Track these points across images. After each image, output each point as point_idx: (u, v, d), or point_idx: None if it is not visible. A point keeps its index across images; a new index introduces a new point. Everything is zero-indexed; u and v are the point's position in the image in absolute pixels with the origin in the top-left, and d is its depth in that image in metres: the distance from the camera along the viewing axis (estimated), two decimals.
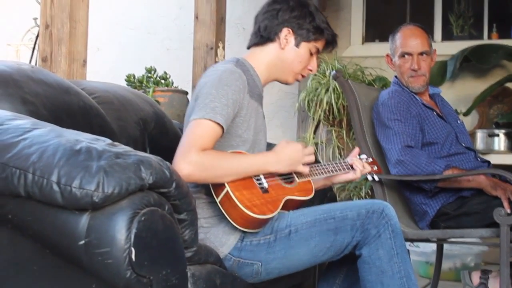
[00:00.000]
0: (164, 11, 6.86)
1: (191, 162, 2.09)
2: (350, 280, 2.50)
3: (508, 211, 2.74)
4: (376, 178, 2.80)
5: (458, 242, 3.37)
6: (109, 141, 1.77)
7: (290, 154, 2.32)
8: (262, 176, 2.27)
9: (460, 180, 3.00)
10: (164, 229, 1.69)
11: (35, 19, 6.39)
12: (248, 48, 2.54)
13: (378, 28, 6.37)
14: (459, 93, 5.72)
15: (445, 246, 4.01)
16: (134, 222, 1.61)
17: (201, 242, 2.08)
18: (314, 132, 5.61)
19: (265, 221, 2.22)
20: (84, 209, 1.60)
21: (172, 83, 5.01)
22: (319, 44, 2.49)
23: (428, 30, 3.40)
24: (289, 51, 2.45)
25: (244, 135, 2.35)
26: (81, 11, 3.58)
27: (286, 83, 2.55)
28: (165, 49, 6.79)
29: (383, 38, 5.92)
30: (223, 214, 2.18)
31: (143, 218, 1.62)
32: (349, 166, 2.62)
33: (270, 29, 2.45)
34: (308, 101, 5.53)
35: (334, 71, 3.38)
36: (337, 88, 5.31)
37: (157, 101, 4.04)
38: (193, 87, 4.70)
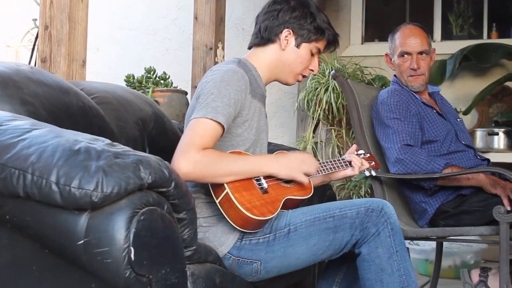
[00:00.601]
0: (164, 11, 6.86)
1: (190, 160, 2.09)
2: (349, 278, 2.50)
3: (508, 208, 2.75)
4: (373, 173, 2.80)
5: (457, 240, 3.37)
6: (108, 141, 1.77)
7: (291, 160, 2.32)
8: (261, 176, 2.27)
9: (460, 178, 3.00)
10: (163, 228, 1.70)
11: (35, 20, 6.39)
12: (249, 48, 2.54)
13: (377, 28, 6.37)
14: (459, 92, 5.72)
15: (445, 244, 4.01)
16: (133, 221, 1.61)
17: (201, 241, 2.09)
18: (314, 132, 5.62)
19: (265, 222, 2.22)
20: (83, 209, 1.60)
21: (172, 83, 5.02)
22: (320, 44, 2.49)
23: (428, 29, 3.40)
24: (289, 52, 2.45)
25: (245, 135, 2.35)
26: (81, 12, 3.58)
27: (287, 84, 2.55)
28: (165, 50, 6.79)
29: (383, 37, 5.93)
30: (222, 214, 2.18)
31: (142, 218, 1.63)
32: (347, 163, 2.62)
33: (271, 30, 2.45)
34: (307, 101, 5.53)
35: (333, 71, 3.39)
36: (336, 88, 5.32)
37: (157, 101, 4.04)
38: (193, 87, 4.70)
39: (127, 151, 1.71)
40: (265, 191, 2.24)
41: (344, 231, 2.23)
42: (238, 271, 2.24)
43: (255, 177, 2.25)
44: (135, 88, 4.74)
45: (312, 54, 2.49)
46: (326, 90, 5.40)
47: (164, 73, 5.06)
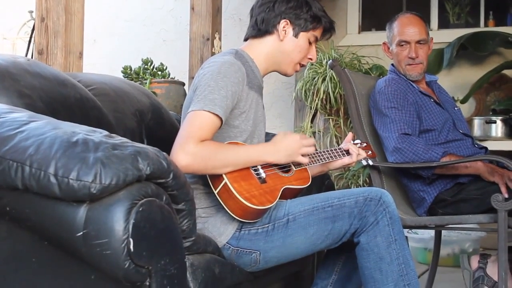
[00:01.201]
0: (160, 2, 6.85)
1: (189, 153, 2.09)
2: (348, 267, 2.50)
3: (506, 196, 2.75)
4: (370, 162, 2.81)
5: (456, 228, 3.38)
6: (106, 132, 1.77)
7: (288, 145, 2.31)
8: (259, 166, 2.27)
9: (458, 166, 3.01)
10: (162, 219, 1.70)
11: (31, 12, 6.38)
12: (245, 40, 2.54)
13: (374, 17, 6.37)
14: (456, 80, 5.72)
15: (443, 232, 4.02)
16: (132, 212, 1.61)
17: (200, 232, 2.09)
18: (312, 121, 5.61)
19: (264, 212, 2.22)
20: (82, 201, 1.60)
21: (169, 74, 5.01)
22: (317, 33, 2.50)
23: (425, 18, 3.40)
24: (288, 42, 2.45)
25: (242, 126, 2.35)
26: (77, 3, 3.57)
27: (285, 74, 2.55)
28: (162, 41, 6.78)
29: (379, 27, 5.92)
30: (221, 204, 2.18)
31: (141, 209, 1.63)
32: (344, 152, 2.63)
33: (268, 21, 2.45)
34: (305, 91, 5.53)
35: (330, 60, 3.38)
36: (334, 77, 5.31)
37: (154, 93, 4.04)
38: (190, 78, 4.70)
39: (125, 143, 1.71)
40: (263, 181, 2.24)
41: (342, 221, 2.24)
42: (237, 261, 2.25)
43: (253, 167, 2.25)
44: (132, 80, 4.74)
45: (310, 43, 2.49)
46: (324, 79, 5.40)
47: (161, 64, 5.05)
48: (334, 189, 2.97)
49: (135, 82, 4.43)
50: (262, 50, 2.47)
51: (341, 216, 2.24)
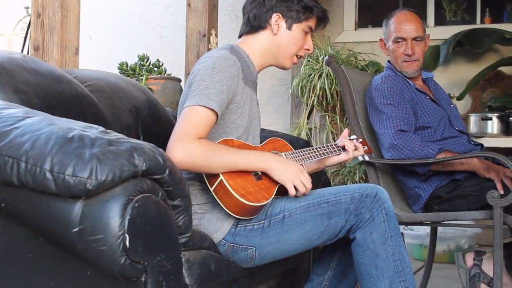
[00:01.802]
0: None
1: (185, 149, 2.09)
2: (344, 263, 2.51)
3: (501, 193, 2.75)
4: (366, 158, 2.80)
5: (451, 224, 3.38)
6: (102, 128, 1.77)
7: (291, 166, 2.28)
8: None
9: (453, 163, 3.01)
10: (158, 215, 1.70)
11: (27, 8, 6.36)
12: (240, 36, 2.54)
13: (370, 14, 6.37)
14: (452, 77, 5.72)
15: (439, 228, 4.03)
16: (128, 208, 1.61)
17: (195, 228, 2.09)
18: (308, 118, 5.62)
19: (260, 208, 2.22)
20: (78, 197, 1.60)
21: (165, 70, 5.01)
22: (311, 23, 2.50)
23: (421, 14, 3.40)
24: (282, 36, 2.46)
25: (238, 122, 2.35)
26: (73, 0, 3.57)
27: (284, 68, 2.55)
28: (158, 37, 6.77)
29: (376, 23, 5.93)
30: (217, 201, 2.18)
31: (136, 205, 1.63)
32: (340, 148, 2.62)
33: (260, 17, 2.45)
34: (301, 87, 5.53)
35: (327, 57, 3.38)
36: (330, 74, 5.32)
37: (150, 89, 4.04)
38: (186, 74, 4.69)
39: (121, 139, 1.71)
40: (259, 178, 2.25)
41: (338, 217, 2.24)
42: (233, 257, 2.25)
43: None
44: (128, 76, 4.73)
45: (306, 34, 2.49)
46: (320, 76, 5.40)
47: (158, 60, 5.05)
48: (330, 186, 2.98)
49: (131, 78, 4.42)
50: (257, 46, 2.48)
51: (337, 212, 2.24)
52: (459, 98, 5.28)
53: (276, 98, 6.31)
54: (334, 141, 2.94)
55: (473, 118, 5.10)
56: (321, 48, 5.61)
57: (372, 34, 5.76)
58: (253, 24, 2.46)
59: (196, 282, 1.98)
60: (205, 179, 2.20)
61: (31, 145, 1.64)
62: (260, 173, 2.26)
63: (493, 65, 5.31)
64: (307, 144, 3.35)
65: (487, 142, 4.15)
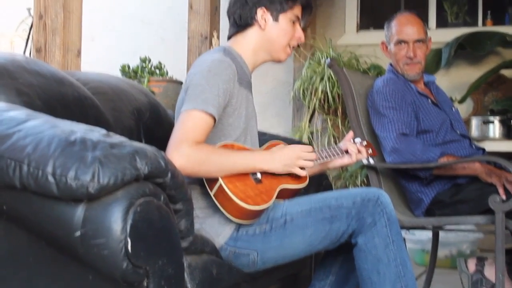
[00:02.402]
0: (158, 0, 6.84)
1: (183, 154, 2.09)
2: (346, 268, 2.50)
3: (503, 197, 2.75)
4: (371, 161, 2.76)
5: (453, 229, 3.38)
6: (104, 131, 1.77)
7: (286, 154, 2.30)
8: None
9: (455, 167, 3.00)
10: (160, 219, 1.70)
11: (29, 9, 6.36)
12: (229, 38, 2.54)
13: (372, 16, 6.36)
14: (454, 80, 5.72)
15: (441, 233, 4.01)
16: (130, 212, 1.61)
17: (197, 232, 2.08)
18: (309, 121, 5.61)
19: (260, 212, 2.22)
20: (80, 200, 1.60)
21: (167, 73, 5.01)
22: (297, 11, 2.49)
23: (423, 17, 3.39)
24: (271, 29, 2.46)
25: (236, 124, 2.35)
26: (75, 1, 3.56)
27: (279, 61, 2.55)
28: (160, 39, 6.76)
29: (378, 25, 5.91)
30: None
31: (138, 209, 1.63)
32: (343, 151, 2.60)
33: (245, 15, 2.45)
34: (303, 90, 5.52)
35: (328, 59, 3.38)
36: (332, 77, 5.31)
37: (152, 91, 4.03)
38: None
39: (123, 142, 1.71)
40: (259, 181, 2.24)
41: (340, 221, 2.23)
42: (235, 262, 2.24)
43: None
44: (130, 78, 4.73)
45: (293, 23, 2.49)
46: (322, 79, 5.39)
47: (160, 62, 5.05)
48: (332, 190, 2.97)
49: (133, 80, 4.42)
50: (248, 44, 2.48)
51: (338, 217, 2.23)
52: (461, 101, 5.27)
53: (278, 101, 6.30)
54: (336, 144, 2.92)
55: (474, 122, 5.10)
56: (323, 50, 5.60)
57: (374, 36, 5.74)
58: (240, 23, 2.47)
59: (197, 287, 1.97)
60: (205, 184, 2.19)
61: (34, 147, 1.64)
62: (260, 177, 2.25)
63: (494, 68, 5.30)
64: None
65: (489, 146, 4.14)
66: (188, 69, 4.75)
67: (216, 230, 2.22)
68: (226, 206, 2.16)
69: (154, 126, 2.88)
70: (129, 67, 4.94)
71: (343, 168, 5.10)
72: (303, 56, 5.80)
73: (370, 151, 2.70)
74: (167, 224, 1.73)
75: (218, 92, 2.22)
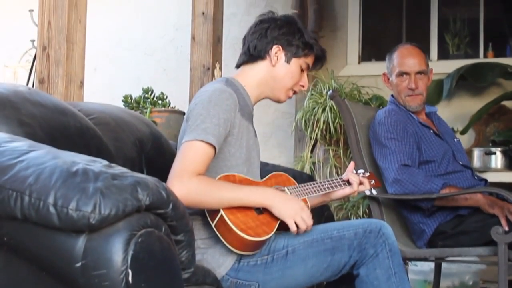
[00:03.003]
0: (161, 31, 6.88)
1: (184, 186, 2.09)
2: None
3: (506, 229, 2.74)
4: (374, 192, 2.74)
5: (456, 260, 3.36)
6: (105, 162, 1.77)
7: (290, 202, 2.27)
8: None
9: (457, 198, 3.00)
10: (161, 251, 1.69)
11: (33, 41, 6.41)
12: (238, 67, 2.55)
13: (374, 47, 6.39)
14: (456, 111, 5.73)
15: (443, 264, 3.99)
16: (131, 243, 1.60)
17: (198, 263, 2.08)
18: (311, 152, 5.61)
19: (262, 243, 2.21)
20: (81, 231, 1.59)
21: (169, 103, 5.02)
22: (309, 60, 2.51)
23: (424, 48, 3.41)
24: (280, 68, 2.47)
25: (237, 154, 2.35)
26: (78, 33, 3.58)
27: (278, 101, 2.56)
28: (162, 70, 6.80)
29: (379, 57, 5.94)
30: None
31: (140, 240, 1.62)
32: (345, 182, 2.60)
33: (260, 47, 2.46)
34: (305, 121, 5.53)
35: (330, 91, 3.40)
36: (334, 108, 5.31)
37: (154, 122, 4.04)
38: None
39: (124, 173, 1.71)
40: (260, 212, 2.24)
41: (342, 253, 2.22)
42: None
43: None
44: (132, 109, 4.74)
45: (302, 70, 2.50)
46: (324, 110, 5.40)
47: (162, 93, 5.06)
48: (333, 220, 2.97)
49: (136, 111, 4.43)
50: (254, 76, 2.49)
51: (340, 248, 2.22)
52: (463, 132, 5.28)
53: (280, 131, 6.31)
54: (338, 175, 2.92)
55: (476, 153, 5.09)
56: (325, 81, 5.62)
57: (376, 67, 5.77)
58: (253, 53, 2.48)
59: None
60: (207, 215, 2.19)
61: (35, 178, 1.64)
62: (261, 208, 2.24)
63: (496, 99, 5.31)
64: (310, 178, 3.34)
65: (491, 177, 4.13)
66: (190, 99, 4.76)
67: (217, 261, 2.22)
68: (227, 237, 2.15)
69: (156, 156, 2.88)
70: (131, 97, 4.95)
71: (345, 199, 5.09)
72: None
73: (372, 182, 2.70)
74: (168, 255, 1.73)
75: (218, 121, 2.23)
